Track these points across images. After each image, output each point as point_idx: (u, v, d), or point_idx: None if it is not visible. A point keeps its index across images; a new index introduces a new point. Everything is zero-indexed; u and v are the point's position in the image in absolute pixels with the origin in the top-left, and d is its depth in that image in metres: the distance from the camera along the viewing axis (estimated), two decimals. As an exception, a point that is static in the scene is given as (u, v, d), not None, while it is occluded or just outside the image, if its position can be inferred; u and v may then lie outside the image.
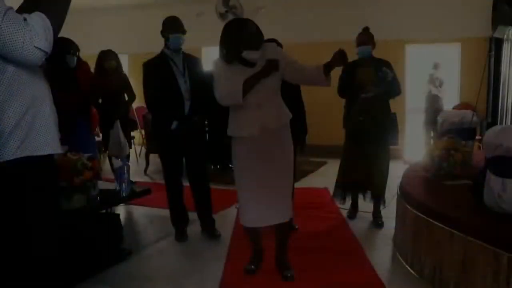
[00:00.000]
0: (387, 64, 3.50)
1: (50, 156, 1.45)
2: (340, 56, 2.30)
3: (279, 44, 3.02)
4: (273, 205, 2.53)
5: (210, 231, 3.42)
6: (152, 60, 3.26)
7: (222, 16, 7.17)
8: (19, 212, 1.39)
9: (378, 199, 3.67)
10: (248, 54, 2.42)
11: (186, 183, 3.42)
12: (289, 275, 2.64)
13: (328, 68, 2.37)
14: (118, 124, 4.40)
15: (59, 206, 2.28)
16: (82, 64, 3.76)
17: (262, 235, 2.81)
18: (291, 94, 3.09)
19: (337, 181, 3.79)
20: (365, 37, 3.51)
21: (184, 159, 3.39)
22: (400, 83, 3.57)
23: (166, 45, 3.25)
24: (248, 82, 2.37)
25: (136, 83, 4.88)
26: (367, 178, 3.59)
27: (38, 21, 1.29)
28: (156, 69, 3.21)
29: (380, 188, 3.63)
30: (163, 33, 3.22)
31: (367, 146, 3.50)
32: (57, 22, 1.38)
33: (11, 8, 1.28)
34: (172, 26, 3.18)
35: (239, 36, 2.42)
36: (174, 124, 3.16)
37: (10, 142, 1.33)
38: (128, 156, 5.15)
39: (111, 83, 4.60)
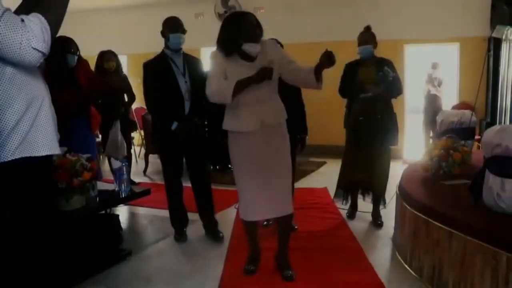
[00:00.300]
0: (389, 63, 3.48)
1: (49, 157, 1.45)
2: (327, 58, 2.24)
3: (279, 44, 3.01)
4: (274, 198, 2.53)
5: (213, 232, 3.41)
6: (152, 60, 3.26)
7: (221, 16, 7.20)
8: (17, 212, 1.39)
9: (378, 199, 3.67)
10: (248, 47, 2.41)
11: (186, 184, 3.42)
12: (289, 275, 2.64)
13: (317, 71, 2.34)
14: (117, 124, 4.40)
15: (56, 207, 2.29)
16: (82, 62, 3.74)
17: (259, 234, 2.81)
18: (291, 94, 3.09)
19: (338, 182, 3.79)
20: (367, 37, 3.49)
21: (184, 160, 3.39)
22: (401, 82, 3.57)
23: (166, 45, 3.24)
24: (239, 84, 2.35)
25: (135, 84, 4.89)
26: (368, 179, 3.58)
27: (36, 22, 1.29)
28: (156, 69, 3.20)
29: (381, 188, 3.62)
30: (163, 33, 3.21)
31: (368, 146, 3.49)
32: (55, 23, 1.38)
33: (8, 9, 1.29)
34: (172, 26, 3.18)
35: (239, 28, 2.41)
36: (174, 125, 3.16)
37: (9, 143, 1.33)
38: (129, 157, 5.13)
39: (111, 84, 4.59)
